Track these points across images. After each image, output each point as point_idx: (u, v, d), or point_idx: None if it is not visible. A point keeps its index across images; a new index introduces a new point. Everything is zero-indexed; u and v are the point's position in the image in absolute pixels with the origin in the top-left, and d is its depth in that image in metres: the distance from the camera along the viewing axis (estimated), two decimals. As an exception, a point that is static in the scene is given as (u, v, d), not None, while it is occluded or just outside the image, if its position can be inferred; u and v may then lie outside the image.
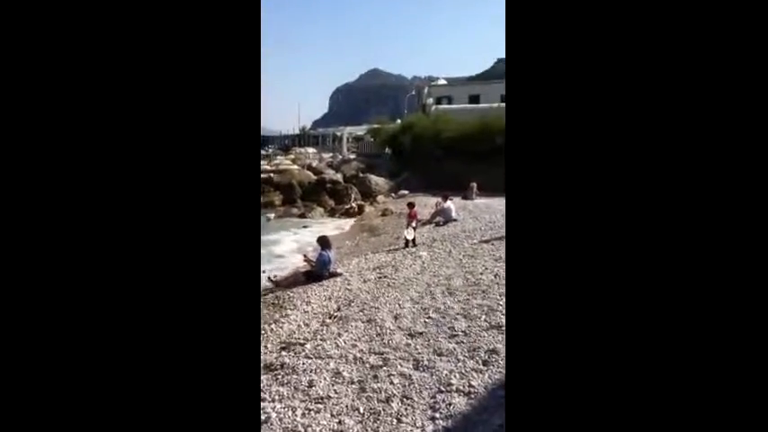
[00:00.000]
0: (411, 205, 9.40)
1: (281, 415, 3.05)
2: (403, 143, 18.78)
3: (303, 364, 3.79)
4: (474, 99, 29.53)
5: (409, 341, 4.05)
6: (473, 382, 3.21)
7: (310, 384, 3.41)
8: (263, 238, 9.70)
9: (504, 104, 19.87)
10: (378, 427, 2.84)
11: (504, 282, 5.50)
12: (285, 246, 11.77)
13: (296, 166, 22.59)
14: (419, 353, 3.78)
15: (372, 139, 23.43)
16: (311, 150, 35.19)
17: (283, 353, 4.16)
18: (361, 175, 18.65)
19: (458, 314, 4.55)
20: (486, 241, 7.89)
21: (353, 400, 3.16)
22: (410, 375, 3.41)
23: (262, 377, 3.60)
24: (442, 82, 38.02)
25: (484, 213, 10.59)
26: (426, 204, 12.33)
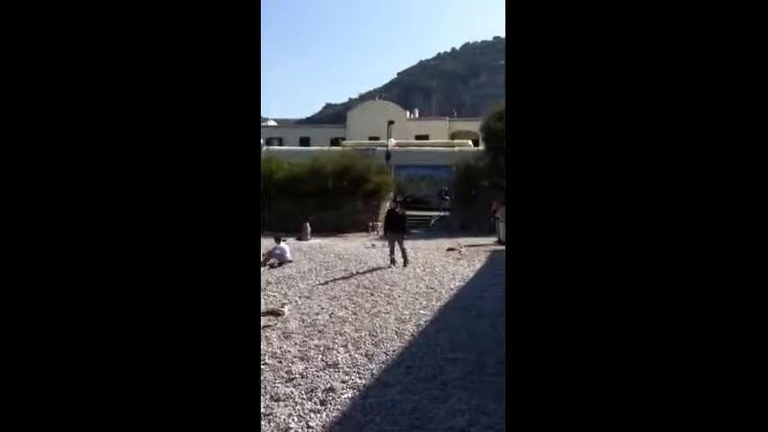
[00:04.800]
0: None
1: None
2: (233, 184, 18.19)
3: None
4: (305, 141, 30.30)
5: (245, 391, 3.93)
6: (311, 423, 3.27)
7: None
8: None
9: (333, 148, 20.78)
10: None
11: (339, 320, 5.70)
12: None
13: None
14: (256, 401, 3.70)
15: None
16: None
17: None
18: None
19: (294, 357, 4.57)
20: (323, 283, 8.07)
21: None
22: (247, 426, 3.31)
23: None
24: (273, 123, 38.17)
25: (318, 254, 10.81)
26: (261, 246, 12.11)
